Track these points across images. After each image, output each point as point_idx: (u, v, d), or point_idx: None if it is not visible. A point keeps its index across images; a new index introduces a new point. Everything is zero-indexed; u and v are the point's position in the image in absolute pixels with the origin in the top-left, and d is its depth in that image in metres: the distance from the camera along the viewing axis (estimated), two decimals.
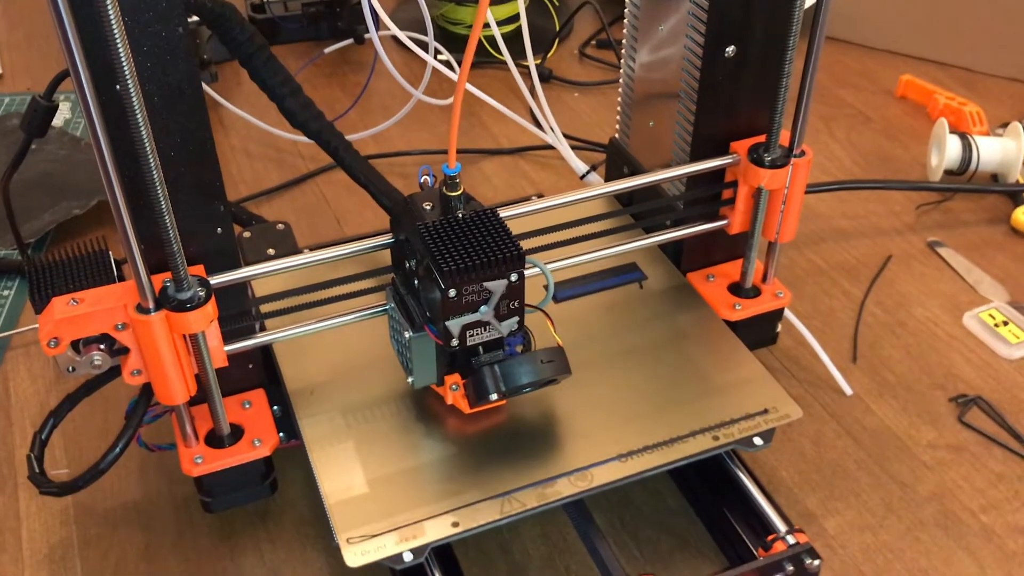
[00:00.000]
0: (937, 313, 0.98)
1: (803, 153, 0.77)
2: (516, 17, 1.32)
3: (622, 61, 0.89)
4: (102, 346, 0.65)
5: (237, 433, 0.72)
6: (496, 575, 0.76)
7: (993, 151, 1.11)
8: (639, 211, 0.86)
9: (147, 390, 0.68)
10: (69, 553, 0.78)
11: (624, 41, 0.88)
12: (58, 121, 1.22)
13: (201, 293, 0.63)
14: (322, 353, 0.78)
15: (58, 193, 1.09)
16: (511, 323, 0.67)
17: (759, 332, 0.86)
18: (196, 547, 0.78)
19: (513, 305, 0.66)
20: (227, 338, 0.68)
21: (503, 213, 0.69)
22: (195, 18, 0.68)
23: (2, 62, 1.39)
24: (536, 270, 0.70)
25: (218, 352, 0.67)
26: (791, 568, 0.69)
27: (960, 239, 1.07)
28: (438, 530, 0.65)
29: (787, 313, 0.88)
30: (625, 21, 0.87)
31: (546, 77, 1.33)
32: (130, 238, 0.58)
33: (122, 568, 0.77)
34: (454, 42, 1.35)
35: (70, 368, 0.65)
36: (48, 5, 0.49)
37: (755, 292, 0.84)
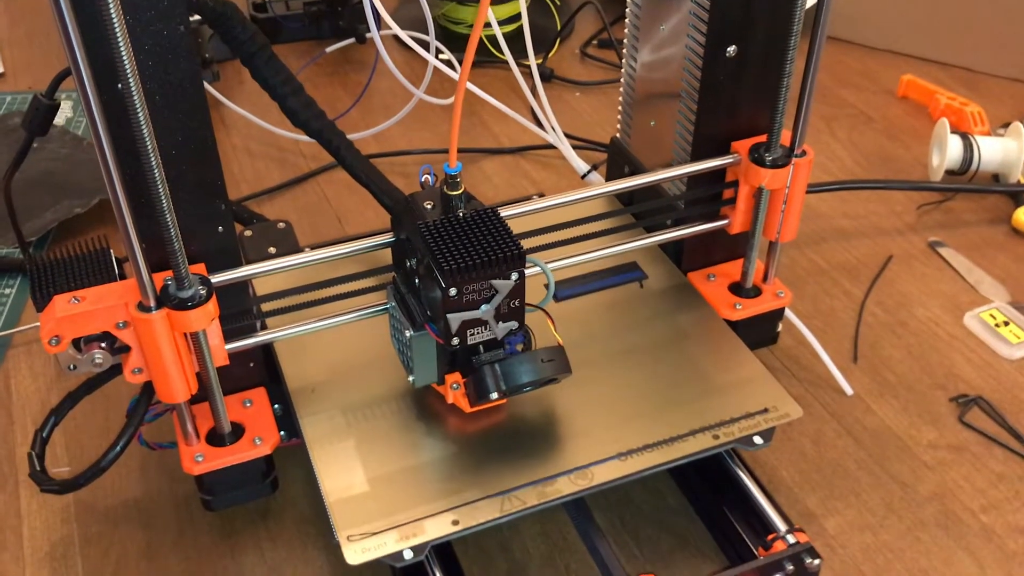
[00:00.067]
0: (938, 313, 0.98)
1: (804, 153, 0.77)
2: (517, 16, 1.32)
3: (623, 61, 0.89)
4: (103, 344, 0.65)
5: (238, 431, 0.73)
6: (496, 573, 0.76)
7: (994, 151, 1.11)
8: (640, 210, 0.86)
9: (148, 388, 0.69)
10: (70, 551, 0.78)
11: (625, 41, 0.88)
12: (60, 120, 1.22)
13: (202, 291, 0.63)
14: (323, 352, 0.78)
15: (60, 192, 1.10)
16: (509, 326, 0.67)
17: (760, 332, 0.86)
18: (197, 545, 0.78)
19: (514, 304, 0.66)
20: (228, 336, 0.68)
21: (504, 212, 0.69)
22: (197, 17, 0.68)
23: (4, 60, 1.39)
24: (537, 269, 0.70)
25: (219, 350, 0.67)
26: (791, 567, 0.69)
27: (961, 239, 1.07)
28: (438, 528, 0.65)
29: (788, 313, 0.88)
30: (626, 21, 0.87)
31: (547, 76, 1.33)
32: (131, 236, 0.58)
33: (123, 566, 0.77)
34: (455, 41, 1.35)
35: (71, 366, 0.65)
36: (50, 3, 0.49)
37: (756, 292, 0.84)
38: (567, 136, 1.08)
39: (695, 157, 0.80)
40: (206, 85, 0.95)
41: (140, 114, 0.54)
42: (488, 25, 0.95)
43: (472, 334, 0.66)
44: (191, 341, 0.65)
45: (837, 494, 0.81)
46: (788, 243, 0.85)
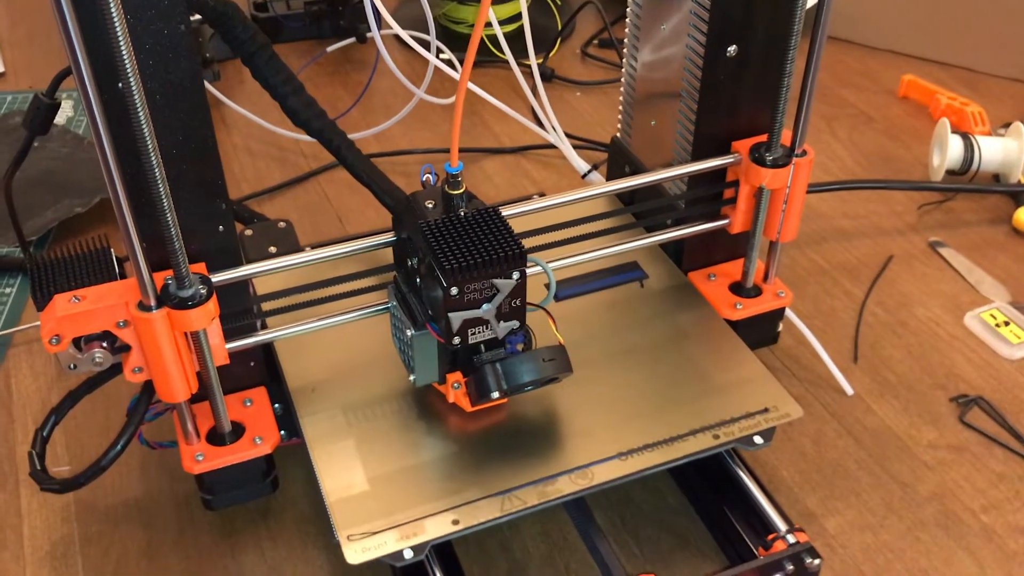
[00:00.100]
0: (938, 313, 0.98)
1: (805, 153, 0.77)
2: (518, 16, 1.32)
3: (624, 60, 0.89)
4: (104, 343, 0.65)
5: (238, 431, 0.73)
6: (496, 573, 0.76)
7: (995, 151, 1.11)
8: (640, 210, 0.86)
9: (148, 388, 0.69)
10: (70, 550, 0.78)
11: (626, 40, 0.88)
12: (60, 119, 1.22)
13: (203, 291, 0.63)
14: (323, 351, 0.78)
15: (60, 191, 1.10)
16: (510, 325, 0.67)
17: (760, 331, 0.86)
18: (197, 545, 0.78)
19: (515, 303, 0.66)
20: (228, 336, 0.68)
21: (505, 212, 0.69)
22: (197, 16, 0.68)
23: (4, 60, 1.39)
24: (538, 268, 0.70)
25: (219, 350, 0.67)
26: (791, 567, 0.69)
27: (962, 239, 1.07)
28: (438, 528, 0.65)
29: (788, 313, 0.88)
30: (627, 20, 0.87)
31: (548, 76, 1.33)
32: (132, 236, 0.58)
33: (123, 565, 0.77)
34: (456, 41, 1.35)
35: (72, 365, 0.65)
36: (50, 3, 0.49)
37: (756, 292, 0.84)
38: (568, 136, 1.08)
39: (696, 157, 0.80)
40: (207, 84, 0.95)
41: (141, 113, 0.54)
42: (489, 25, 0.95)
43: (473, 333, 0.66)
44: (191, 340, 0.65)
45: (837, 494, 0.81)
46: (789, 243, 0.85)
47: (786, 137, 0.76)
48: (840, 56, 1.38)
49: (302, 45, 1.41)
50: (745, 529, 0.74)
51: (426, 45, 1.04)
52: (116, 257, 0.68)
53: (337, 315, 0.72)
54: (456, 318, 0.65)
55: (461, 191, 0.67)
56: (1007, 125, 1.16)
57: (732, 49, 0.75)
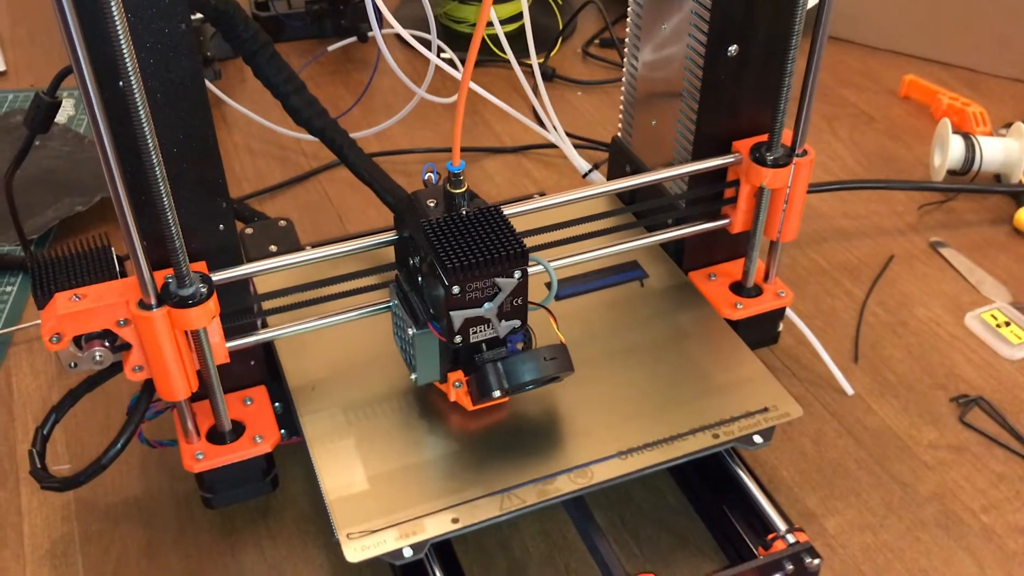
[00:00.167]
0: (939, 313, 0.98)
1: (805, 152, 0.77)
2: (519, 15, 1.32)
3: (625, 60, 0.89)
4: (104, 342, 0.65)
5: (238, 429, 0.73)
6: (496, 572, 0.76)
7: (996, 151, 1.11)
8: (641, 210, 0.87)
9: (149, 386, 0.69)
10: (71, 549, 0.78)
11: (627, 40, 0.88)
12: (61, 118, 1.22)
13: (203, 289, 0.63)
14: (323, 350, 0.78)
15: (61, 189, 1.10)
16: (511, 324, 0.67)
17: (760, 331, 0.86)
18: (197, 543, 0.78)
19: (516, 302, 0.66)
20: (229, 334, 0.68)
21: (505, 211, 0.69)
22: (199, 15, 0.68)
23: (6, 58, 1.39)
24: (539, 268, 0.70)
25: (220, 348, 0.67)
26: (791, 567, 0.69)
27: (962, 239, 1.07)
28: (438, 526, 0.65)
29: (789, 312, 0.88)
30: (628, 20, 0.87)
31: (549, 76, 1.33)
32: (132, 234, 0.58)
33: (123, 564, 0.77)
34: (457, 40, 1.35)
35: (72, 364, 0.65)
36: (51, 2, 0.49)
37: (757, 291, 0.84)
38: (568, 135, 1.08)
39: (696, 156, 0.80)
40: (207, 83, 0.95)
41: (141, 112, 0.54)
42: (490, 24, 0.95)
43: (475, 332, 0.66)
44: (192, 339, 0.65)
45: (837, 494, 0.81)
46: (789, 243, 0.85)
47: (787, 137, 0.76)
48: (841, 56, 1.38)
49: (303, 44, 1.41)
50: (745, 529, 0.74)
51: (427, 44, 1.04)
52: (117, 256, 0.68)
53: (337, 314, 0.72)
54: (458, 317, 0.65)
55: (463, 190, 0.67)
56: (1008, 125, 1.16)
57: (733, 49, 0.75)
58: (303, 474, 0.82)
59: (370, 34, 1.35)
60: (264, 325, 0.73)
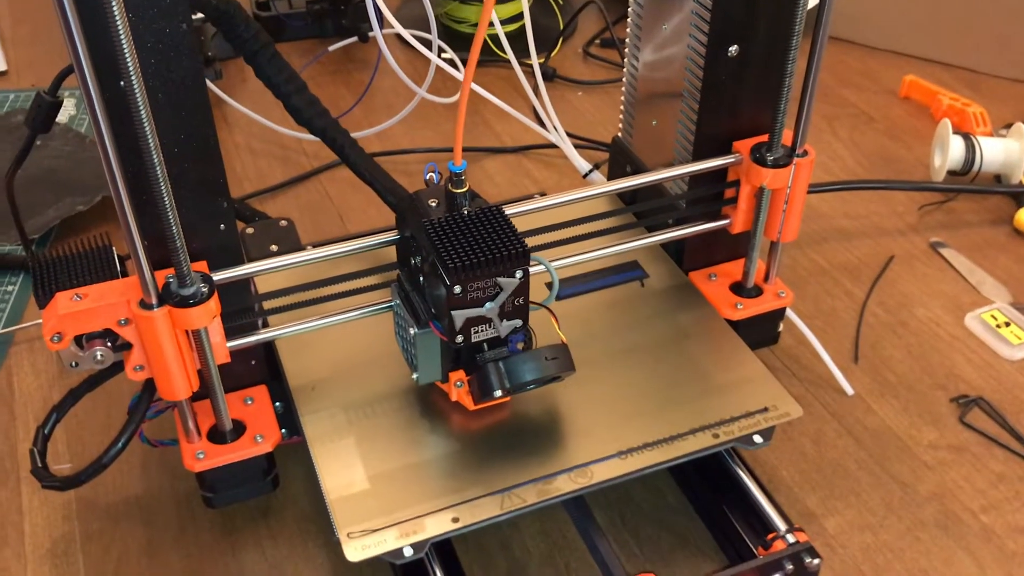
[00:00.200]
0: (939, 314, 0.98)
1: (806, 153, 0.77)
2: (520, 16, 1.32)
3: (625, 60, 0.89)
4: (105, 341, 0.65)
5: (239, 429, 0.73)
6: (496, 572, 0.76)
7: (996, 152, 1.11)
8: (641, 210, 0.87)
9: (150, 386, 0.69)
10: (71, 548, 0.78)
11: (627, 40, 0.88)
12: (63, 117, 1.22)
13: (204, 289, 0.63)
14: (324, 350, 0.78)
15: (62, 189, 1.10)
16: (513, 323, 0.67)
17: (761, 331, 0.86)
18: (198, 542, 0.78)
19: (518, 302, 0.66)
20: (230, 334, 0.68)
21: (506, 211, 0.69)
22: (200, 15, 0.68)
23: (7, 58, 1.39)
24: (541, 267, 0.70)
25: (220, 348, 0.67)
26: (791, 567, 0.69)
27: (963, 240, 1.07)
28: (438, 525, 0.66)
29: (789, 313, 0.88)
30: (628, 20, 0.87)
31: (550, 76, 1.33)
32: (133, 234, 0.58)
33: (124, 563, 0.77)
34: (458, 40, 1.35)
35: (73, 363, 0.65)
36: (53, 1, 0.49)
37: (757, 292, 0.84)
38: (569, 135, 1.08)
39: (697, 157, 0.80)
40: (208, 83, 0.95)
41: (142, 112, 0.54)
42: (490, 24, 0.95)
43: (476, 332, 0.66)
44: (193, 338, 0.65)
45: (837, 494, 0.81)
46: (789, 243, 0.85)
47: (787, 137, 0.76)
48: (841, 56, 1.38)
49: (304, 44, 1.41)
50: (745, 528, 0.74)
51: (428, 44, 1.04)
52: (118, 255, 0.68)
53: (337, 314, 0.73)
54: (459, 316, 0.65)
55: (465, 190, 0.67)
56: (1009, 126, 1.16)
57: (733, 49, 0.75)
58: (304, 473, 0.82)
59: (371, 34, 1.35)
60: (265, 325, 0.73)
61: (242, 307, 0.71)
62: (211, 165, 0.65)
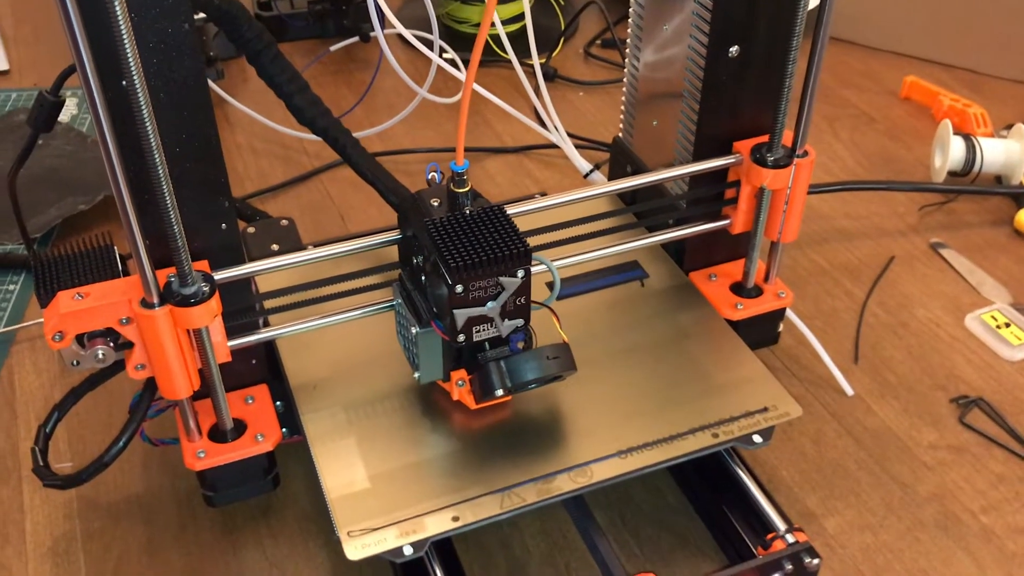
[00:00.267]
0: (939, 314, 0.98)
1: (806, 153, 0.77)
2: (521, 16, 1.32)
3: (626, 60, 0.90)
4: (107, 340, 0.65)
5: (240, 428, 0.73)
6: (496, 571, 0.76)
7: (997, 153, 1.11)
8: (642, 210, 0.87)
9: (151, 385, 0.69)
10: (72, 546, 0.78)
11: (628, 40, 0.88)
12: (64, 117, 1.22)
13: (205, 288, 0.63)
14: (325, 349, 0.78)
15: (64, 188, 1.10)
16: (514, 323, 0.67)
17: (761, 332, 0.86)
18: (198, 541, 0.78)
19: (520, 301, 0.66)
20: (231, 333, 0.69)
21: (507, 211, 0.69)
22: (202, 15, 0.68)
23: (9, 58, 1.39)
24: (542, 267, 0.70)
25: (222, 347, 0.67)
26: (790, 567, 0.69)
27: (963, 240, 1.07)
28: (438, 524, 0.66)
29: (789, 313, 0.88)
30: (629, 21, 0.87)
31: (551, 76, 1.33)
32: (135, 233, 0.58)
33: (124, 562, 0.77)
34: (459, 40, 1.35)
35: (74, 362, 0.65)
36: (55, 1, 0.49)
37: (757, 292, 0.84)
38: (570, 135, 1.08)
39: (697, 157, 0.80)
40: (210, 83, 0.95)
41: (144, 111, 0.54)
42: (492, 24, 0.95)
43: (478, 331, 0.66)
44: (194, 338, 0.65)
45: (837, 494, 0.81)
46: (790, 243, 0.85)
47: (787, 138, 0.77)
48: (842, 57, 1.38)
49: (306, 44, 1.41)
50: (744, 528, 0.74)
51: (429, 44, 1.04)
52: (119, 254, 0.68)
53: (338, 313, 0.73)
54: (461, 315, 0.65)
55: (466, 189, 0.67)
56: (1009, 127, 1.16)
57: (734, 50, 0.75)
58: (304, 472, 0.82)
59: (372, 34, 1.35)
60: (266, 324, 0.74)
61: (243, 306, 0.71)
62: (213, 165, 0.66)
